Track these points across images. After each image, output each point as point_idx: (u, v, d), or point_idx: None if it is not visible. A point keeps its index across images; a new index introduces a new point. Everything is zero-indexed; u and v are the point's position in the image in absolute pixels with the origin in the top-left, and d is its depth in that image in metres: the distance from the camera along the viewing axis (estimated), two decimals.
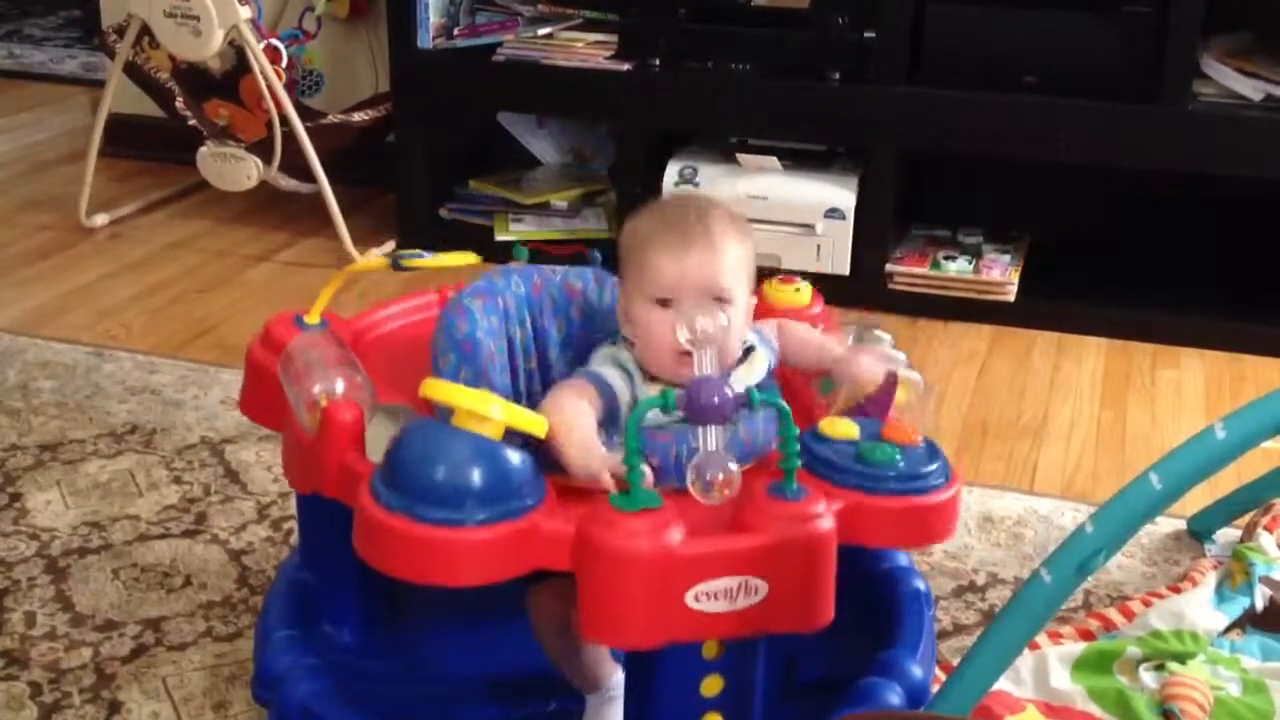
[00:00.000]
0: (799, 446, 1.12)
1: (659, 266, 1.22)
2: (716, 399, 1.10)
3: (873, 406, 1.26)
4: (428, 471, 1.05)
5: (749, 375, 1.26)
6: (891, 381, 1.25)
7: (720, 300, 1.21)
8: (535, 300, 1.37)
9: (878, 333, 1.37)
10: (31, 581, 1.67)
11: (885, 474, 1.15)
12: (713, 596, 1.07)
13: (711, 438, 1.10)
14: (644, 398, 1.20)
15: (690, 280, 1.21)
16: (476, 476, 1.05)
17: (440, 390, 1.11)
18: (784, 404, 1.13)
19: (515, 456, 1.08)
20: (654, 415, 1.15)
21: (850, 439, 1.18)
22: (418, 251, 1.42)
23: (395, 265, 1.41)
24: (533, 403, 1.21)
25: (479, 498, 1.05)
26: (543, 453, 1.13)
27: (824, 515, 1.10)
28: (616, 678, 1.31)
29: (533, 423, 1.10)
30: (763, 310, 1.44)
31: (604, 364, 1.25)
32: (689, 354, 1.16)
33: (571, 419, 1.15)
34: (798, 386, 1.35)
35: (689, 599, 1.06)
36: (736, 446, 1.16)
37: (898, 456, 1.16)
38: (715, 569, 1.06)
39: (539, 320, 1.36)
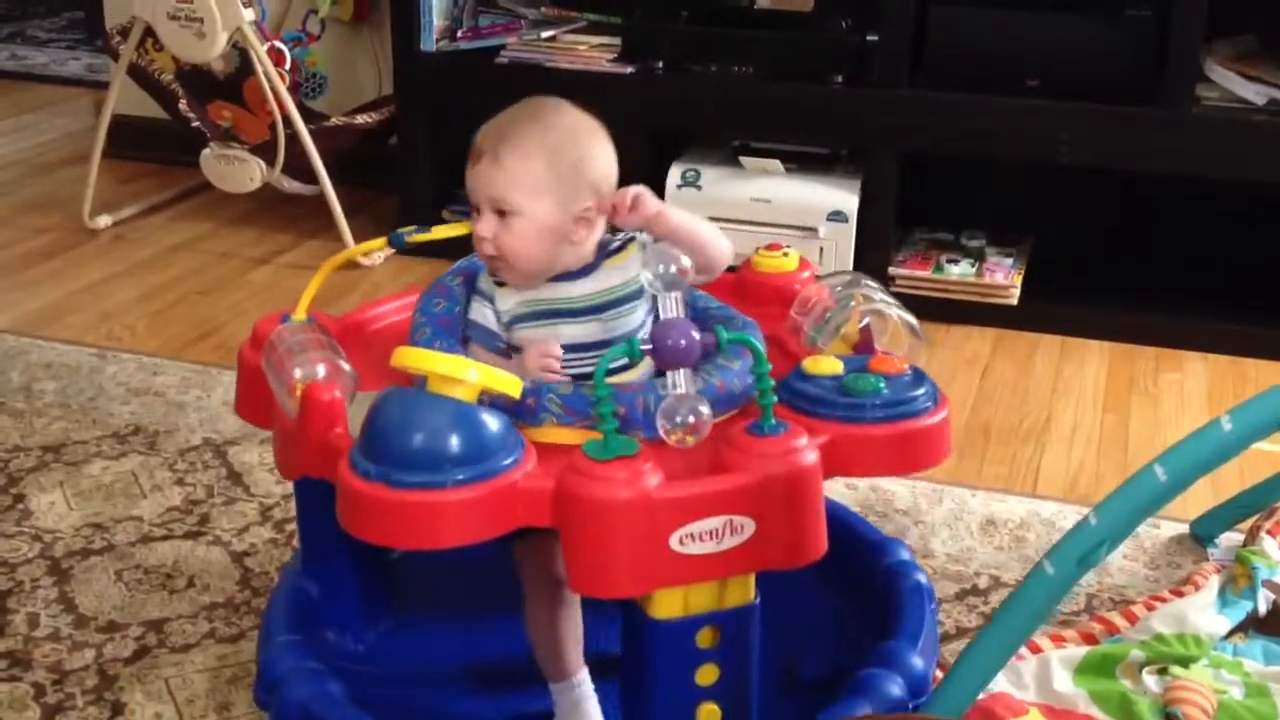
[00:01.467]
0: (782, 385, 1.13)
1: (466, 177, 1.28)
2: (683, 342, 1.11)
3: (859, 350, 1.27)
4: (403, 437, 1.05)
5: (618, 272, 1.28)
6: (869, 324, 1.27)
7: (501, 211, 1.24)
8: None
9: (865, 281, 1.37)
10: (35, 583, 1.67)
11: (869, 402, 1.16)
12: (698, 538, 1.07)
13: (681, 381, 1.11)
14: (505, 307, 1.26)
15: (476, 194, 1.26)
16: (452, 438, 1.05)
17: (413, 357, 1.11)
18: (755, 342, 1.13)
19: (491, 417, 1.08)
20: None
21: (834, 374, 1.19)
22: (414, 228, 1.41)
23: (395, 242, 1.40)
24: None
25: (455, 459, 1.05)
26: (519, 411, 1.15)
27: (805, 448, 1.10)
28: (583, 674, 1.32)
29: (508, 383, 1.11)
30: (751, 279, 1.47)
31: (475, 307, 1.30)
32: (490, 258, 1.25)
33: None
34: (784, 336, 1.36)
35: (674, 543, 1.06)
36: (709, 395, 1.17)
37: (881, 385, 1.16)
38: (698, 511, 1.07)
39: None
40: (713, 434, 1.11)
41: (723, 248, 1.30)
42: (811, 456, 1.10)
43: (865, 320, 1.30)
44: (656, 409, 1.14)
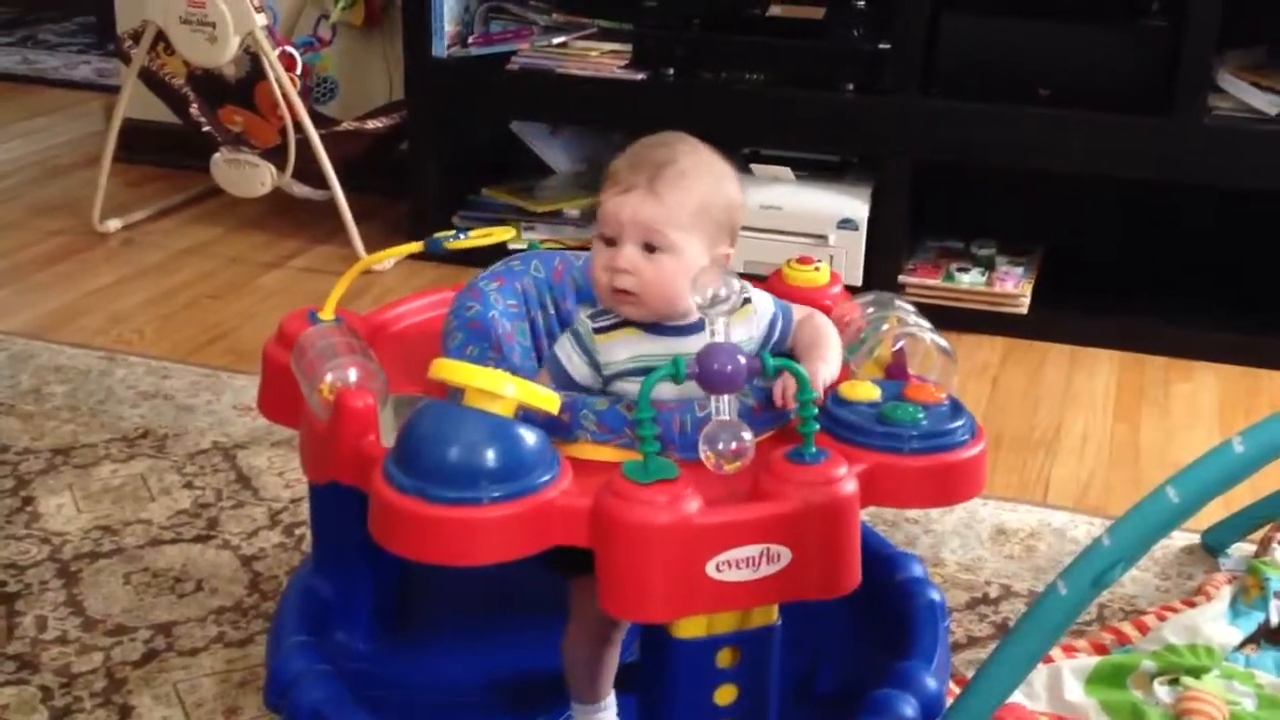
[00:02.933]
0: (819, 411, 1.12)
1: (605, 205, 1.23)
2: (729, 366, 1.09)
3: (891, 373, 1.26)
4: (439, 451, 1.04)
5: (742, 327, 1.24)
6: (903, 347, 1.26)
7: (652, 245, 1.20)
8: (557, 284, 1.37)
9: (898, 303, 1.36)
10: (43, 585, 1.66)
11: (908, 433, 1.14)
12: (734, 566, 1.05)
13: (724, 406, 1.10)
14: (610, 359, 1.21)
15: (625, 223, 1.20)
16: (489, 455, 1.04)
17: (451, 370, 1.09)
18: (800, 368, 1.12)
19: (528, 433, 1.07)
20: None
21: (871, 401, 1.18)
22: (452, 233, 1.40)
23: (433, 247, 1.38)
24: None
25: (492, 476, 1.04)
26: (553, 427, 1.13)
27: (845, 478, 1.09)
28: (610, 700, 1.31)
29: (546, 399, 1.10)
30: (781, 292, 1.43)
31: (567, 353, 1.24)
32: (622, 292, 1.19)
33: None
34: None
35: (710, 569, 1.05)
36: (744, 416, 1.16)
37: (920, 415, 1.15)
38: (735, 538, 1.05)
39: (562, 303, 1.36)
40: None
41: None
42: (850, 487, 1.09)
43: (899, 343, 1.29)
44: (693, 429, 1.13)
